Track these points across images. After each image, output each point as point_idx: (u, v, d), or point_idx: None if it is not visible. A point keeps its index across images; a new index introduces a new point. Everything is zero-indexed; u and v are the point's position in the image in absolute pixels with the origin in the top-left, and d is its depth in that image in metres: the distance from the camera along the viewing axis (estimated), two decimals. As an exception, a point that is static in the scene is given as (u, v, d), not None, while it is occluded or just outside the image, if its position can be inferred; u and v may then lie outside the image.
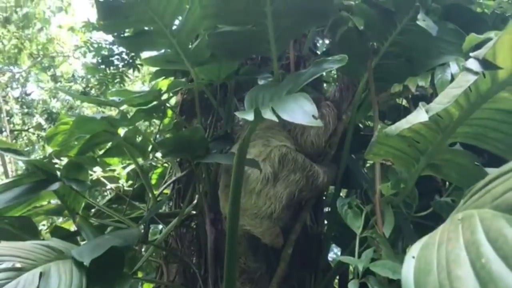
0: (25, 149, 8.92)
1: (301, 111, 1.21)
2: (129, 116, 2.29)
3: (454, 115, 1.21)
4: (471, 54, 1.04)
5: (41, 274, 1.36)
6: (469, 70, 1.02)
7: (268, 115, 1.24)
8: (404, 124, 1.13)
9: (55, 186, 1.81)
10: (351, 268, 2.39)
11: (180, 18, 1.99)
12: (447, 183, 1.96)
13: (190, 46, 2.04)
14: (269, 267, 1.95)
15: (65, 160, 2.59)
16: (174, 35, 1.98)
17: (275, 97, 1.41)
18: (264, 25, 1.77)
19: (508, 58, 1.04)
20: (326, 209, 2.36)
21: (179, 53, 2.03)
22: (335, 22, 1.78)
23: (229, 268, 1.60)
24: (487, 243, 0.55)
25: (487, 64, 1.03)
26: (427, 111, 1.09)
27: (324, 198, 2.32)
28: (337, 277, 2.25)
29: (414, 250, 0.67)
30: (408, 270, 0.63)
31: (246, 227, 1.79)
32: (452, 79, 1.46)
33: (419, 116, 1.09)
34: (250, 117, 1.26)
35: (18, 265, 1.38)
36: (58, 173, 1.97)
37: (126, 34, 2.23)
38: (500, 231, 0.54)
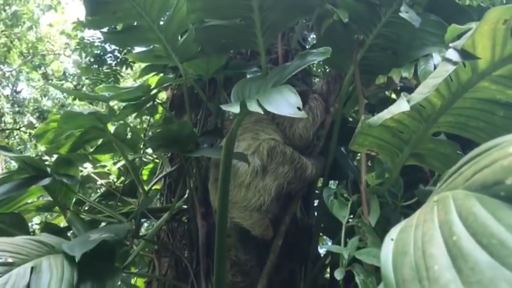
0: (17, 148, 8.87)
1: (286, 103, 1.23)
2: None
3: (436, 104, 1.24)
4: (450, 44, 1.06)
5: (32, 269, 1.37)
6: (448, 60, 1.04)
7: (253, 107, 1.26)
8: (386, 114, 1.15)
9: (46, 181, 1.82)
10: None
11: (167, 13, 2.00)
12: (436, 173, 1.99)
13: (178, 41, 2.05)
14: (260, 259, 1.97)
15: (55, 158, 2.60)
16: (162, 30, 1.99)
17: (261, 89, 1.43)
18: (251, 19, 1.79)
19: (487, 48, 1.06)
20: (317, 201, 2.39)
21: (167, 48, 2.04)
22: (320, 15, 1.80)
23: (219, 260, 1.61)
24: (459, 221, 0.57)
25: (466, 54, 1.05)
26: (408, 101, 1.11)
27: (315, 190, 2.35)
28: (329, 269, 2.28)
29: (393, 233, 0.69)
30: (387, 252, 0.65)
31: (236, 220, 1.81)
32: (435, 70, 1.48)
33: (401, 106, 1.11)
34: (236, 109, 1.28)
35: (9, 259, 1.39)
36: (48, 169, 1.97)
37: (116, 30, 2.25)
38: (470, 209, 0.57)
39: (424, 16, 1.60)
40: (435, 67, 1.49)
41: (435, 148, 1.35)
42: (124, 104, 2.28)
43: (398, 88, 2.19)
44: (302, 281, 2.03)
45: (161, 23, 2.00)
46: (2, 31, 8.87)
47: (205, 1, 1.74)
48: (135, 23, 2.00)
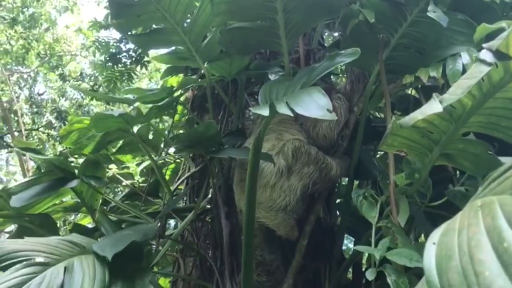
0: (36, 148, 8.97)
1: (315, 105, 1.23)
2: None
3: (467, 105, 1.23)
4: (484, 45, 1.05)
5: (65, 269, 1.40)
6: (482, 61, 1.04)
7: (282, 109, 1.26)
8: (418, 115, 1.15)
9: (74, 183, 1.85)
10: (364, 259, 2.43)
11: (190, 15, 2.02)
12: (458, 172, 1.98)
13: (201, 43, 2.07)
14: (285, 259, 1.98)
15: (79, 159, 2.64)
16: (186, 33, 2.00)
17: (289, 91, 1.43)
18: (274, 21, 1.79)
19: (520, 48, 1.05)
20: (338, 201, 2.39)
21: (191, 50, 2.05)
22: (346, 15, 1.80)
23: (246, 260, 1.63)
24: (508, 228, 0.57)
25: (500, 55, 1.05)
26: (441, 102, 1.10)
27: (336, 190, 2.35)
28: (351, 268, 2.28)
29: (435, 236, 0.69)
30: (429, 256, 0.65)
31: (261, 220, 1.82)
32: (464, 69, 1.48)
33: (433, 107, 1.11)
34: (265, 112, 1.29)
35: (43, 260, 1.42)
36: (76, 170, 2.01)
37: (136, 32, 2.27)
38: (521, 216, 0.57)
39: (451, 15, 1.59)
40: (463, 66, 1.48)
41: (465, 148, 1.34)
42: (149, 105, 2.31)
43: (419, 86, 2.18)
44: (326, 281, 2.04)
45: (185, 25, 2.01)
46: (20, 33, 9.00)
47: (230, 4, 1.75)
48: (159, 26, 2.02)
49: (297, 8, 1.75)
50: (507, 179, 0.66)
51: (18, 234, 1.95)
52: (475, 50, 1.49)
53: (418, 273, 1.45)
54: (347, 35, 1.82)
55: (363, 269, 2.28)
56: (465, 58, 1.50)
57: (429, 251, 0.67)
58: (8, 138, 10.23)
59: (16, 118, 8.95)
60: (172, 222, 2.96)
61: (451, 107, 1.23)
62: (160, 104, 2.18)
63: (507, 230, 0.57)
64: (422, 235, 2.18)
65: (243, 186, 1.85)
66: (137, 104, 2.31)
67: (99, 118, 1.90)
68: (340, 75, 3.06)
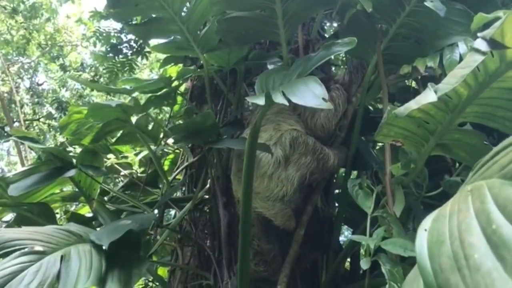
0: (37, 139, 8.98)
1: (311, 94, 1.23)
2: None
3: (463, 95, 1.23)
4: (478, 34, 1.05)
5: (62, 257, 1.40)
6: (476, 50, 1.03)
7: (278, 99, 1.26)
8: (413, 104, 1.15)
9: (72, 172, 1.86)
10: (362, 249, 2.44)
11: (188, 4, 2.01)
12: (457, 163, 1.98)
13: (199, 33, 2.06)
14: (282, 249, 1.99)
15: (78, 149, 2.65)
16: (184, 22, 2.00)
17: (285, 81, 1.43)
18: (272, 10, 1.78)
19: (516, 37, 1.05)
20: (336, 191, 2.39)
21: (189, 40, 2.05)
22: (343, 4, 1.79)
23: (243, 250, 1.63)
24: (496, 210, 0.57)
25: (495, 44, 1.04)
26: (435, 92, 1.10)
27: (334, 180, 2.35)
28: (349, 259, 2.29)
29: (426, 223, 0.70)
30: (421, 242, 0.65)
31: (259, 210, 1.83)
32: (461, 59, 1.47)
33: (428, 96, 1.10)
34: (261, 101, 1.29)
35: (40, 248, 1.43)
36: (74, 160, 2.01)
37: (134, 22, 2.26)
38: (509, 197, 0.57)
39: (448, 5, 1.58)
40: (460, 56, 1.48)
41: (461, 138, 1.34)
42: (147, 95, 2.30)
43: (419, 77, 2.17)
44: (323, 270, 2.04)
45: (183, 14, 2.00)
46: (21, 23, 8.97)
47: (227, -7, 1.75)
48: (157, 15, 2.01)
49: (295, -3, 1.74)
50: (495, 163, 0.66)
51: (16, 223, 1.97)
52: (472, 40, 1.48)
53: (413, 262, 1.46)
54: (344, 25, 1.81)
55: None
56: (462, 48, 1.49)
57: (421, 237, 0.67)
58: (8, 128, 10.25)
59: (16, 109, 8.95)
60: (172, 212, 2.98)
61: (447, 97, 1.23)
62: (158, 94, 2.18)
63: (495, 213, 0.57)
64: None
65: (241, 176, 1.85)
66: (136, 94, 2.31)
67: (96, 107, 1.90)
68: (342, 66, 3.05)
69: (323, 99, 1.20)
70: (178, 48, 2.15)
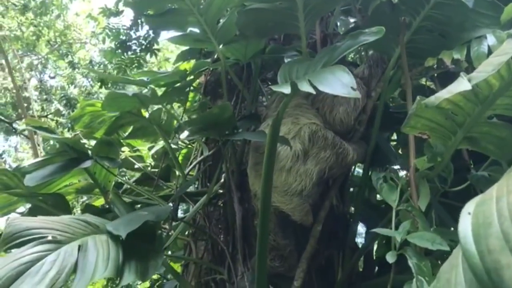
0: (45, 135, 9.01)
1: (339, 83, 1.20)
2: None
3: (494, 86, 1.19)
4: (516, 21, 1.02)
5: (79, 247, 1.39)
6: (514, 37, 1.00)
7: (305, 87, 1.24)
8: (445, 94, 1.12)
9: (88, 163, 1.84)
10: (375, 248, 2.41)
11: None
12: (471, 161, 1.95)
13: (217, 25, 2.04)
14: (298, 244, 1.96)
15: (90, 141, 2.63)
16: (202, 14, 1.98)
17: (309, 70, 1.41)
18: (293, 2, 1.76)
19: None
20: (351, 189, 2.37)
21: (206, 32, 2.03)
22: (367, -4, 1.76)
23: (261, 245, 1.60)
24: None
25: (534, 31, 1.01)
26: (469, 80, 1.07)
27: (349, 177, 2.32)
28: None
29: (469, 207, 0.68)
30: (465, 225, 0.64)
31: (276, 204, 1.80)
32: (489, 51, 1.44)
33: (461, 85, 1.07)
34: (286, 90, 1.26)
35: (57, 238, 1.41)
36: (89, 151, 1.99)
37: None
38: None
39: (476, -4, 1.55)
40: (489, 49, 1.44)
41: (490, 131, 1.31)
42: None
43: (435, 75, 2.14)
44: (339, 268, 2.02)
45: (201, 6, 1.98)
46: (32, 19, 9.00)
47: (248, -16, 1.72)
48: (175, 6, 1.99)
49: (317, -11, 1.72)
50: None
51: (32, 214, 1.95)
52: (502, 32, 1.44)
53: (438, 257, 1.43)
54: (367, 16, 1.78)
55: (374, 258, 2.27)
56: (491, 40, 1.46)
57: (464, 220, 0.65)
58: (17, 124, 10.29)
59: (26, 105, 8.97)
60: (182, 207, 2.95)
61: (477, 88, 1.20)
62: (176, 86, 2.16)
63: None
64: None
65: (258, 170, 1.82)
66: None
67: (113, 97, 1.88)
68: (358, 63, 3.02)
69: (351, 88, 1.17)
70: (195, 40, 2.13)
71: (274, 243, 1.91)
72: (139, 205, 2.22)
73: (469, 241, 0.61)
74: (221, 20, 2.06)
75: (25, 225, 1.40)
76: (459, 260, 0.68)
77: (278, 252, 1.92)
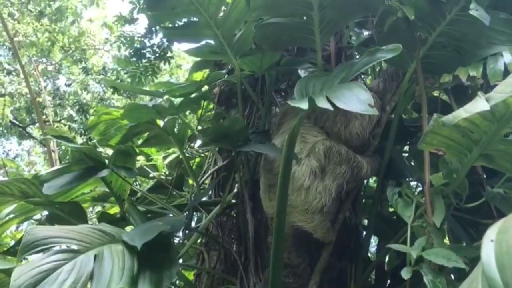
0: (57, 140, 9.10)
1: (356, 100, 1.22)
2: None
3: (511, 104, 1.20)
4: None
5: (95, 256, 1.41)
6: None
7: (322, 103, 1.25)
8: (462, 113, 1.13)
9: (105, 172, 1.86)
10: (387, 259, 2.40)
11: (224, 9, 2.02)
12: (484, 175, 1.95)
13: (233, 37, 2.07)
14: (311, 260, 1.96)
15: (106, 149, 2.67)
16: (218, 26, 2.00)
17: (326, 85, 1.42)
18: (310, 16, 1.79)
19: None
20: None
21: (223, 44, 2.05)
22: (384, 11, 1.78)
23: (275, 264, 1.59)
24: None
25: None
26: (487, 100, 1.08)
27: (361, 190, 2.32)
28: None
29: (491, 234, 0.68)
30: (488, 253, 0.64)
31: (297, 224, 1.78)
32: (505, 69, 1.44)
33: (479, 104, 1.08)
34: (304, 105, 1.27)
35: (74, 247, 1.44)
36: (106, 160, 2.02)
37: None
38: None
39: (492, 13, 1.55)
40: (505, 66, 1.45)
41: (506, 149, 1.31)
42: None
43: (449, 88, 2.14)
44: (352, 281, 2.02)
45: (218, 19, 2.01)
46: (47, 26, 9.13)
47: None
48: (192, 19, 2.03)
49: (333, 4, 1.74)
50: None
51: (49, 221, 1.98)
52: (518, 50, 1.45)
53: (451, 273, 1.43)
54: (383, 32, 1.80)
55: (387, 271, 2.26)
56: (507, 57, 1.47)
57: (487, 248, 0.66)
58: (30, 129, 10.41)
59: (40, 110, 9.08)
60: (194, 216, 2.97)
61: (494, 106, 1.21)
62: (191, 97, 2.19)
63: None
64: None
65: (272, 192, 1.82)
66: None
67: (133, 108, 1.91)
68: (371, 75, 3.03)
69: (369, 104, 1.18)
70: (211, 52, 2.16)
71: (288, 260, 1.90)
72: (150, 214, 2.24)
73: (493, 269, 0.61)
74: (236, 33, 2.08)
75: (43, 234, 1.43)
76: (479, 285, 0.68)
77: (292, 269, 1.91)
